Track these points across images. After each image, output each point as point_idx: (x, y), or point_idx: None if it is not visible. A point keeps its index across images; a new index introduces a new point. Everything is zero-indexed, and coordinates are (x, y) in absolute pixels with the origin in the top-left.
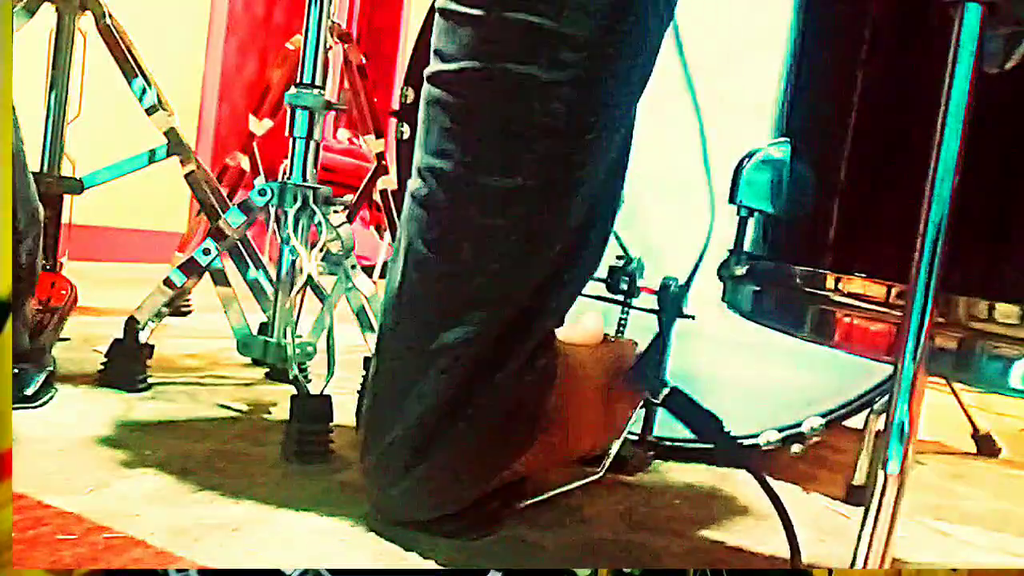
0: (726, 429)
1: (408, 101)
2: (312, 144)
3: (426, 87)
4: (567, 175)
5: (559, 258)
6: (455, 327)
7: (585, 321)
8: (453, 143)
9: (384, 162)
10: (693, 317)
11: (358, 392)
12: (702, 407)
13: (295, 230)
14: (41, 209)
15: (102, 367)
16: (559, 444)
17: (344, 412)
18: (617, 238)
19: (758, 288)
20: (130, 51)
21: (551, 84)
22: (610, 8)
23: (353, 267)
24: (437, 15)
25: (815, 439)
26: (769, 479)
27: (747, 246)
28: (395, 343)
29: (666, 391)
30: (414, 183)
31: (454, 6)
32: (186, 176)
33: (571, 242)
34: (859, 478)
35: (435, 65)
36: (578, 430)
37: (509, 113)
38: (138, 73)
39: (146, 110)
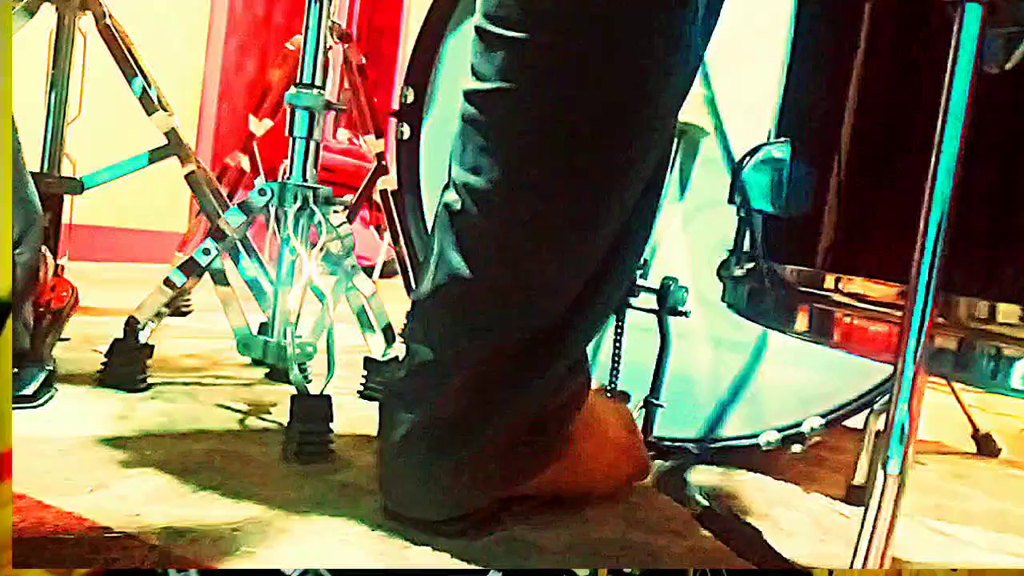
0: (768, 542)
1: (408, 101)
2: (312, 144)
3: (462, 103)
4: (600, 194)
5: (591, 275)
6: (482, 336)
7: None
8: (487, 160)
9: (384, 162)
10: (688, 314)
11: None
12: (740, 519)
13: (295, 230)
14: (40, 209)
15: (102, 367)
16: (568, 474)
17: (344, 412)
18: None
19: (758, 288)
20: (130, 51)
21: (585, 106)
22: (645, 33)
23: (353, 267)
24: (474, 33)
25: (815, 439)
26: (769, 479)
27: (747, 246)
28: (421, 345)
29: (703, 502)
30: (449, 196)
31: (490, 27)
32: (186, 176)
33: (604, 260)
34: (859, 478)
35: (470, 83)
36: (588, 468)
37: (542, 133)
38: (138, 73)
39: (146, 110)
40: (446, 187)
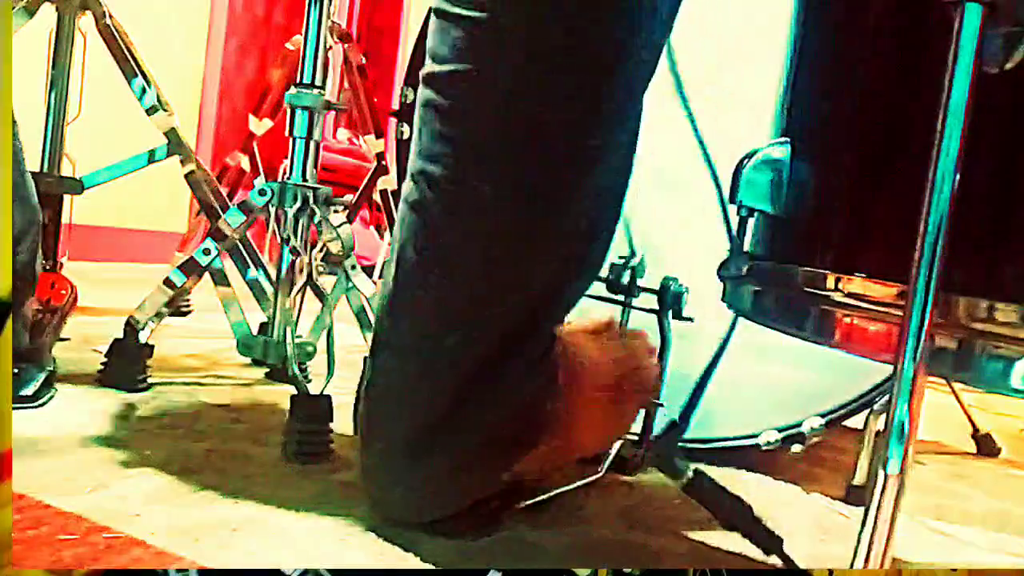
0: (756, 515)
1: (408, 101)
2: (312, 144)
3: (421, 88)
4: (563, 180)
5: (558, 263)
6: (450, 331)
7: (594, 314)
8: (445, 147)
9: (384, 162)
10: (692, 319)
11: (355, 394)
12: (729, 492)
13: (295, 230)
14: (39, 209)
15: (102, 367)
16: (561, 447)
17: (344, 412)
18: (627, 232)
19: (758, 288)
20: (130, 51)
21: (546, 88)
22: (608, 13)
23: (353, 267)
24: (432, 15)
25: (815, 439)
26: (769, 479)
27: (747, 246)
28: (390, 346)
29: (689, 475)
30: (407, 187)
31: (447, 7)
32: (186, 176)
33: (571, 246)
34: (859, 478)
35: (428, 67)
36: (581, 431)
37: (502, 117)
38: (138, 73)
39: (146, 110)
40: (405, 180)
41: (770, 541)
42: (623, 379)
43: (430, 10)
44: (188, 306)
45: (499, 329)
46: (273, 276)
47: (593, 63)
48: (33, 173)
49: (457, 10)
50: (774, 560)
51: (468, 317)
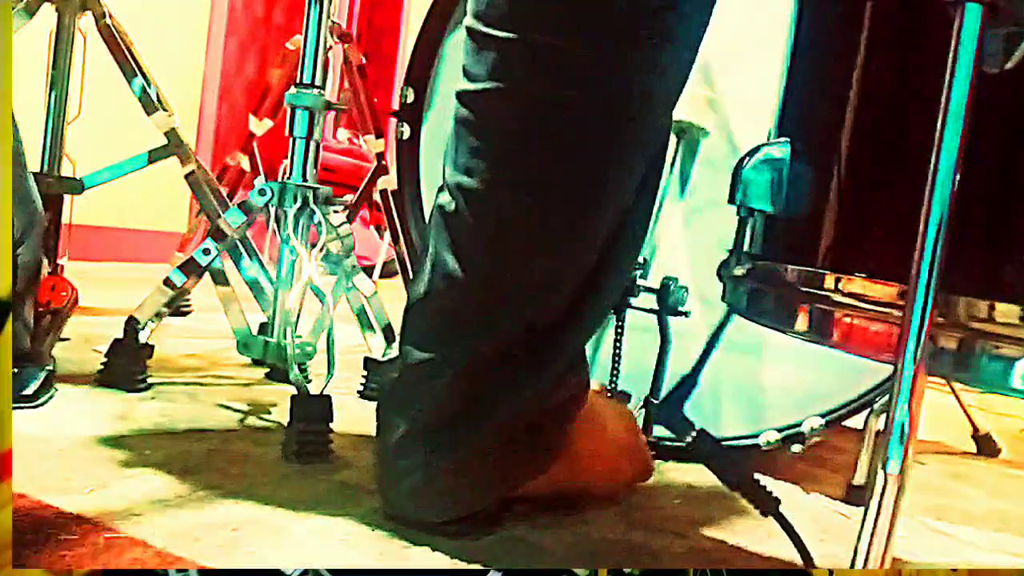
0: (756, 477)
1: (408, 101)
2: (312, 144)
3: (455, 105)
4: (593, 194)
5: (587, 274)
6: (478, 338)
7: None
8: (479, 161)
9: (384, 162)
10: (688, 314)
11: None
12: (728, 453)
13: (295, 230)
14: (41, 209)
15: (102, 367)
16: (567, 479)
17: (344, 412)
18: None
19: (758, 288)
20: (130, 51)
21: (576, 105)
22: (636, 29)
23: (353, 267)
24: (465, 34)
25: (815, 439)
26: (768, 479)
27: (747, 246)
28: (416, 346)
29: (693, 434)
30: (442, 198)
31: (480, 27)
32: (186, 176)
33: (599, 259)
34: (859, 478)
35: (462, 84)
36: (589, 467)
37: (534, 133)
38: (138, 73)
39: (146, 110)
40: (440, 189)
41: (768, 501)
42: (628, 439)
43: (432, 9)
44: (188, 306)
45: (522, 336)
46: (273, 276)
47: (620, 80)
48: (33, 173)
49: (488, 31)
50: (770, 521)
51: (495, 324)
